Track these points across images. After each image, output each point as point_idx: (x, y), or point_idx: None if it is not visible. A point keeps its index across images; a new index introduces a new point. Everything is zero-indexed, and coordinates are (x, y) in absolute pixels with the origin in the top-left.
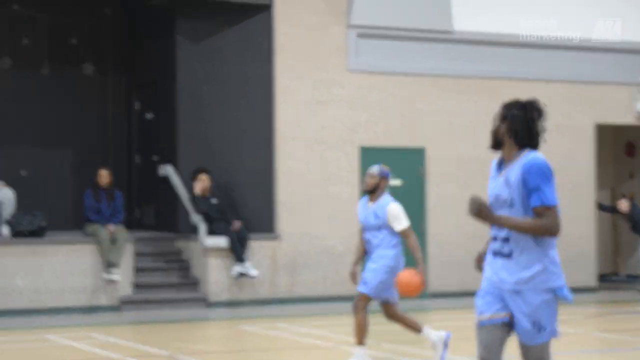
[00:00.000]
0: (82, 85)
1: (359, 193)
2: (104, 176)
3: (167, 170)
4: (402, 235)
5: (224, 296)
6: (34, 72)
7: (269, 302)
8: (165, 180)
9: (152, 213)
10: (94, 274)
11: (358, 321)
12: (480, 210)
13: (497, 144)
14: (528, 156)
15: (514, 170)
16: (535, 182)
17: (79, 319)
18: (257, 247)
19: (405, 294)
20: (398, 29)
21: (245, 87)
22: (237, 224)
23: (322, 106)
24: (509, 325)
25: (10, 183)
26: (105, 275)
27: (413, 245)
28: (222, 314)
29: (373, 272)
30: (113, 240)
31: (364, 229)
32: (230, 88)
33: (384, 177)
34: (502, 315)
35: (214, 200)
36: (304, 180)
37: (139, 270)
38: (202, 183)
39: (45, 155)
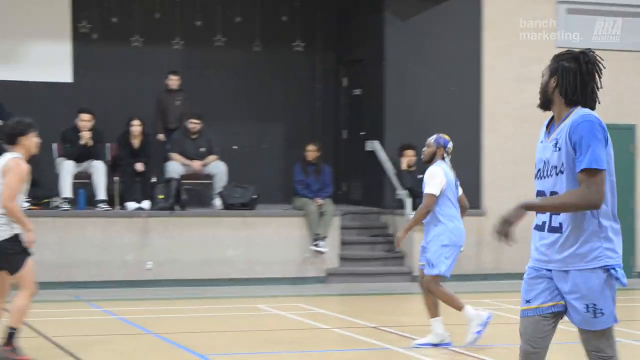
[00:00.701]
0: (292, 61)
1: None
2: (312, 151)
3: (374, 145)
4: (424, 198)
5: None
6: (246, 49)
7: (474, 277)
8: (372, 155)
9: (358, 188)
10: (302, 246)
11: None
12: (505, 223)
13: (545, 103)
14: (577, 113)
15: (563, 131)
16: (582, 140)
17: (288, 290)
18: (463, 222)
19: None
20: (608, 4)
21: (452, 64)
22: None
23: (530, 83)
24: (559, 314)
25: (222, 157)
26: (313, 248)
27: (419, 210)
28: None
29: (433, 253)
30: (321, 214)
31: None
32: (438, 65)
33: (440, 145)
34: (551, 305)
35: (419, 176)
36: (510, 156)
37: (345, 243)
38: (408, 158)
39: (256, 130)
